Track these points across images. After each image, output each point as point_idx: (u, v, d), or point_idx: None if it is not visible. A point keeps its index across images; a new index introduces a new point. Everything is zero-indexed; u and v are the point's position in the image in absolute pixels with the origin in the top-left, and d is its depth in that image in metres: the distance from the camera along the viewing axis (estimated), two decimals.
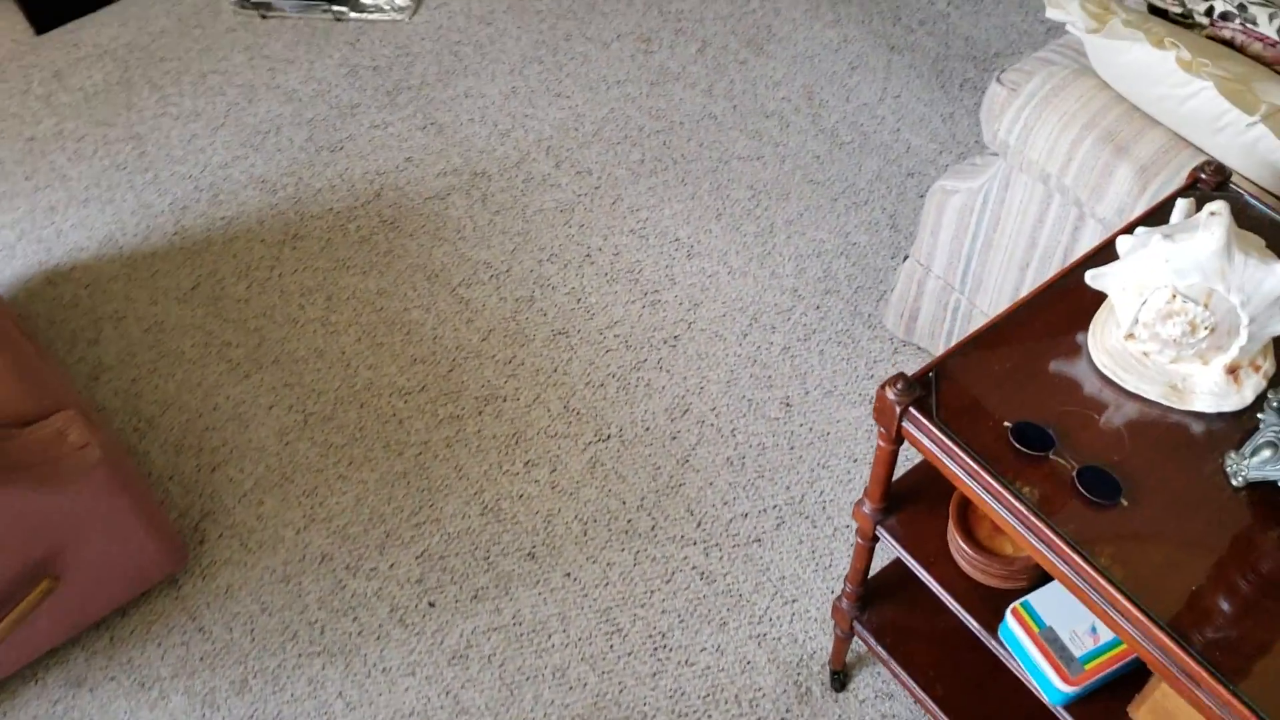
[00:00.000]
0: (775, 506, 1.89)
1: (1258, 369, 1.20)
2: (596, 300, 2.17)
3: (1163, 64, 1.43)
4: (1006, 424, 1.18)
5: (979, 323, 1.93)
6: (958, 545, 1.32)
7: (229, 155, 2.39)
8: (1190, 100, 1.44)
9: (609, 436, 1.97)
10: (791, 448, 1.96)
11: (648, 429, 1.98)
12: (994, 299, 1.88)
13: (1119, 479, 1.14)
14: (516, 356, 2.09)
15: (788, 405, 2.02)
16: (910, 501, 1.40)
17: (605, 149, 2.41)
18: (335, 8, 2.63)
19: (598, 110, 2.48)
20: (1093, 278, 1.21)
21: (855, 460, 1.95)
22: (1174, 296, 1.15)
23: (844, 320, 2.14)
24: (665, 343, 2.11)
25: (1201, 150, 1.51)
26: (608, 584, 1.78)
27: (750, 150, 2.40)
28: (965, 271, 1.90)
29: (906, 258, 2.00)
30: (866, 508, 1.37)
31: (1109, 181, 1.54)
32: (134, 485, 1.50)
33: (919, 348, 2.09)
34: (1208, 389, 1.19)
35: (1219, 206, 1.12)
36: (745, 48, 2.59)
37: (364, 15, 2.63)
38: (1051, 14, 1.62)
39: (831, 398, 2.03)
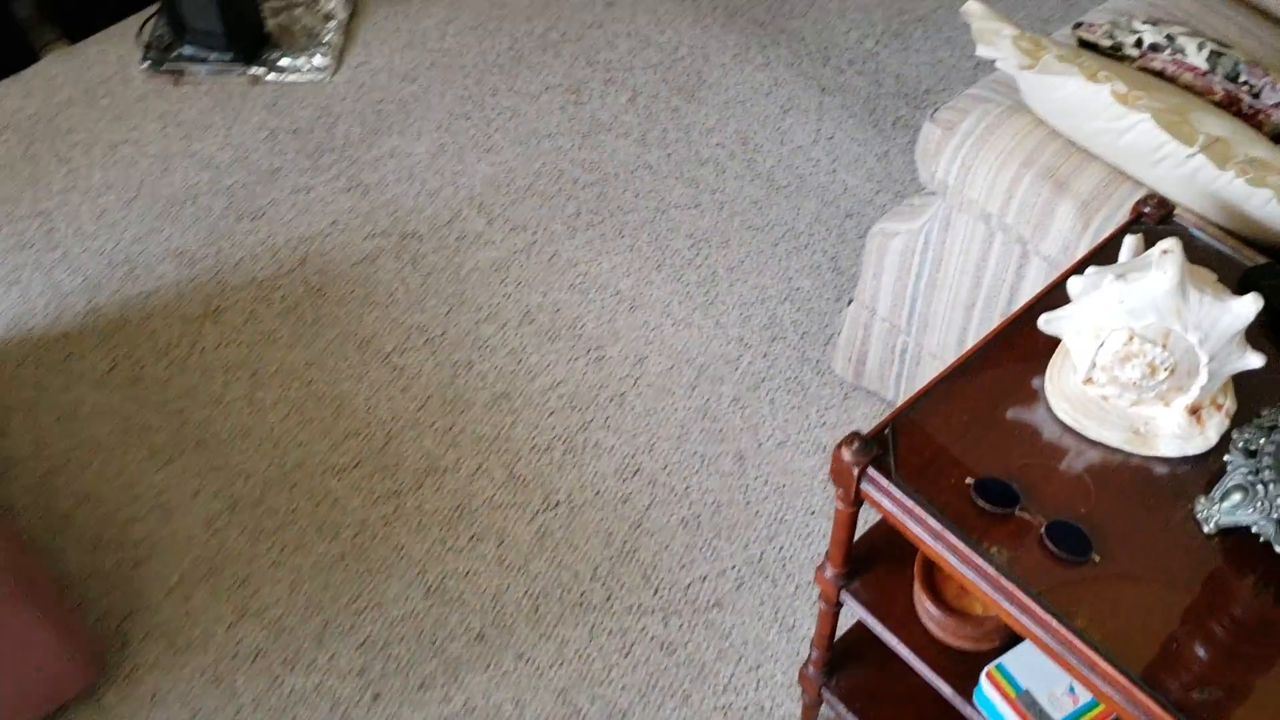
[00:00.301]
0: (734, 567, 1.82)
1: (1219, 408, 1.16)
2: (538, 360, 2.10)
3: (1098, 98, 1.41)
4: (969, 480, 1.12)
5: (927, 365, 1.89)
6: (925, 607, 1.26)
7: (143, 228, 2.30)
8: (1128, 133, 1.41)
9: (557, 504, 1.89)
10: (747, 503, 1.90)
11: (598, 493, 1.91)
12: (941, 340, 1.84)
13: (1088, 532, 1.08)
14: (456, 424, 2.01)
15: (741, 459, 1.96)
16: (873, 562, 1.34)
17: (539, 203, 2.35)
18: (251, 70, 2.55)
19: (529, 164, 2.42)
20: (1045, 323, 1.16)
21: (813, 512, 1.89)
22: (1131, 338, 1.10)
23: (792, 367, 2.09)
24: (611, 400, 2.04)
25: (1141, 183, 1.48)
26: (563, 663, 1.70)
27: (687, 198, 2.36)
28: (910, 313, 1.86)
29: (851, 301, 1.96)
30: (829, 572, 1.30)
31: (1051, 218, 1.50)
32: (41, 593, 1.40)
33: (869, 391, 2.04)
34: (1171, 432, 1.15)
35: (1171, 244, 1.08)
36: (676, 95, 2.55)
37: (282, 77, 2.55)
38: (982, 51, 1.60)
39: (785, 448, 1.97)
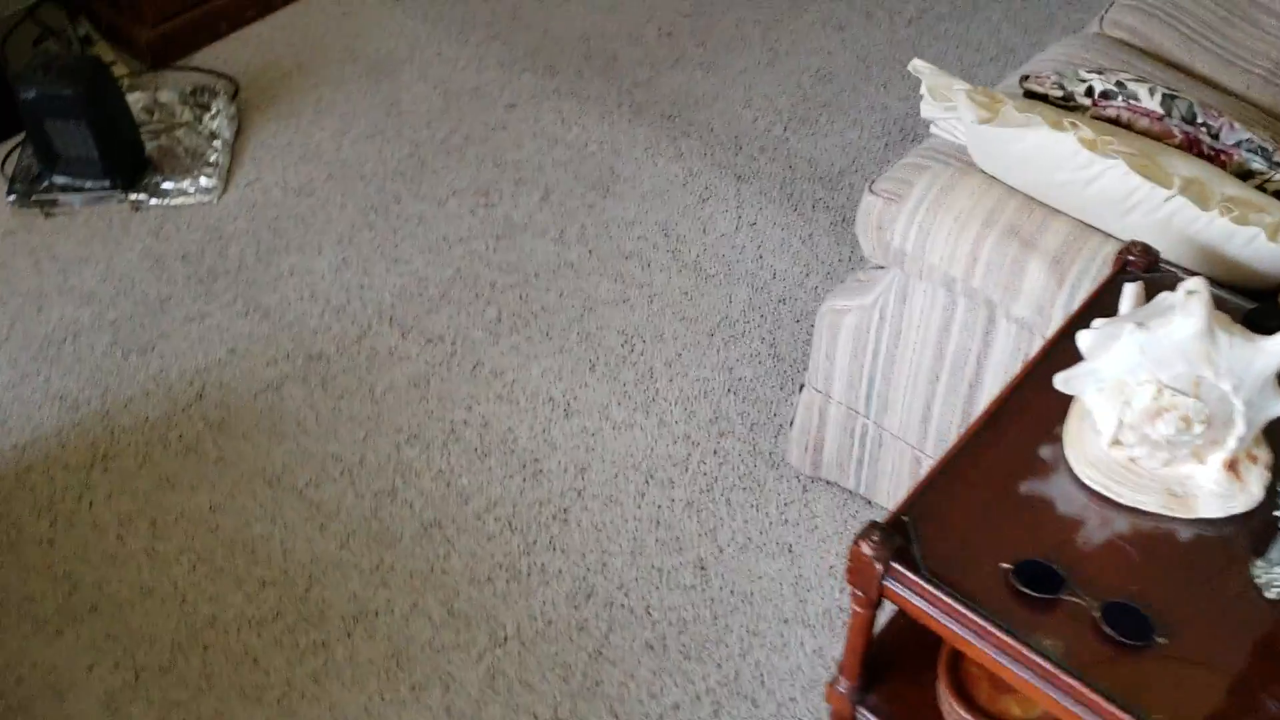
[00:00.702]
0: (709, 690, 1.65)
1: (1255, 460, 1.05)
2: (469, 481, 1.92)
3: (1061, 146, 1.33)
4: (1005, 566, 0.99)
5: (891, 447, 1.78)
6: (957, 715, 1.11)
7: (17, 373, 2.07)
8: (1096, 182, 1.34)
9: (506, 639, 1.70)
10: (715, 617, 1.74)
11: (550, 623, 1.72)
12: (903, 419, 1.73)
13: (1146, 612, 0.96)
14: (384, 560, 1.81)
15: (702, 568, 1.80)
16: (887, 668, 1.19)
17: (455, 311, 2.20)
18: (132, 196, 2.37)
19: (442, 271, 2.27)
20: (1064, 382, 1.05)
21: (786, 620, 1.74)
22: (1160, 391, 1.00)
23: (745, 462, 1.95)
24: (555, 518, 1.87)
25: (1110, 234, 1.41)
26: None
27: (615, 294, 2.23)
28: (869, 393, 1.75)
29: (803, 387, 1.84)
30: (842, 686, 1.15)
31: (1021, 278, 1.42)
32: None
33: (828, 482, 1.91)
34: (1210, 490, 1.04)
35: (1196, 284, 0.99)
36: (591, 191, 2.45)
37: (166, 201, 2.37)
38: (929, 111, 1.53)
39: (748, 552, 1.82)
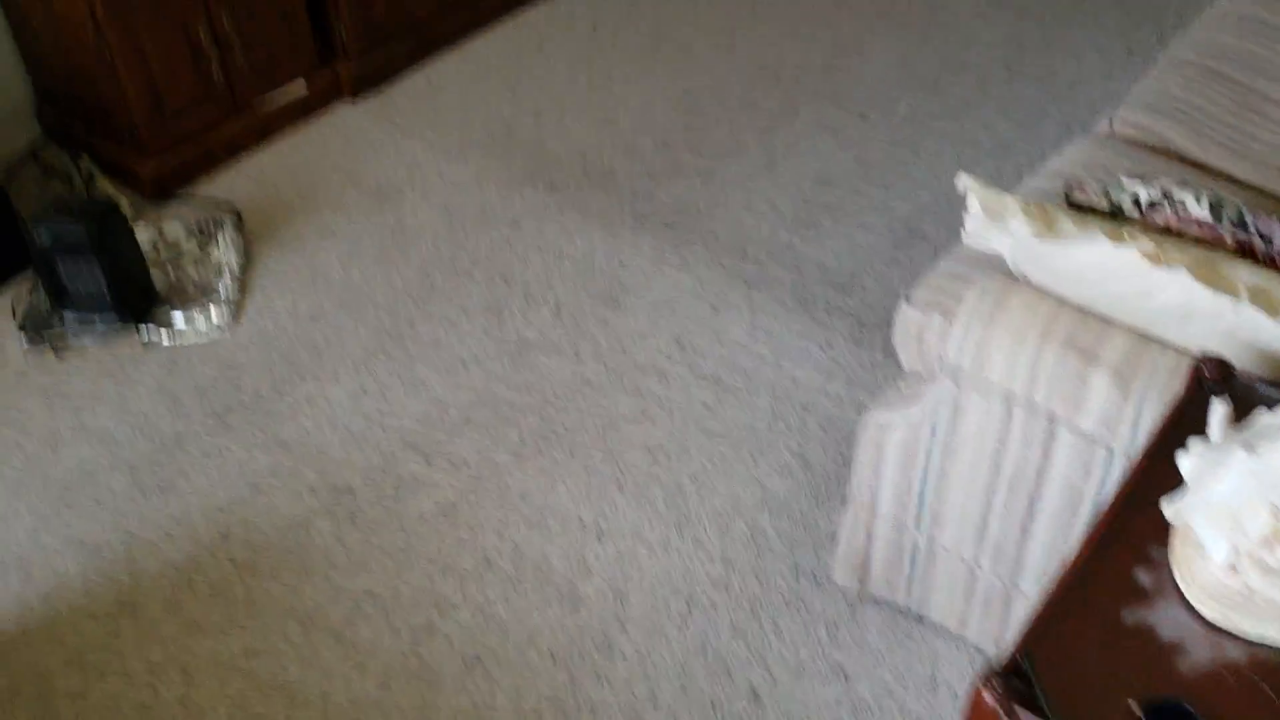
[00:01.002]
0: None
1: None
2: (507, 612, 1.87)
3: (1118, 259, 1.34)
4: (1134, 706, 0.96)
5: (944, 561, 1.75)
6: None
7: (35, 520, 2.00)
8: (1154, 293, 1.35)
9: None
10: None
11: None
12: (958, 533, 1.71)
13: None
14: (427, 701, 1.75)
15: (756, 697, 1.75)
16: None
17: (478, 434, 2.17)
18: (142, 332, 2.33)
19: (461, 394, 2.24)
20: (1174, 513, 1.04)
21: None
22: (1277, 516, 0.98)
23: (788, 582, 1.92)
24: (598, 648, 1.82)
25: (1170, 344, 1.41)
26: None
27: (635, 409, 2.21)
28: (919, 509, 1.73)
29: (846, 502, 1.82)
30: None
31: (1086, 391, 1.41)
32: None
33: (878, 599, 1.88)
34: None
35: None
36: (601, 305, 2.44)
37: (177, 335, 2.34)
38: (976, 232, 1.53)
39: (802, 678, 1.78)
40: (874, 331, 2.38)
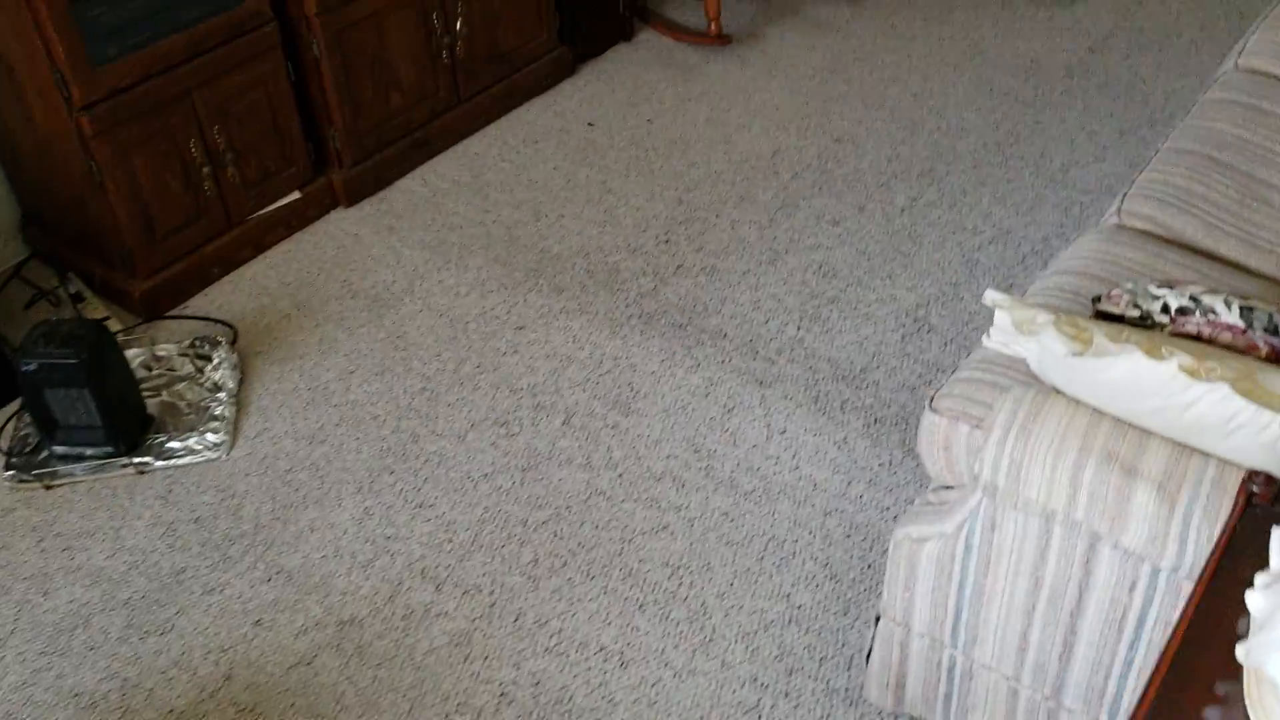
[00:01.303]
0: None
1: None
2: None
3: (1155, 374, 1.29)
4: None
5: (983, 678, 1.67)
6: None
7: (26, 670, 1.91)
8: (1194, 407, 1.29)
9: None
10: None
11: None
12: (997, 650, 1.63)
13: None
14: None
15: None
16: None
17: (490, 557, 2.09)
18: (136, 460, 2.26)
19: (470, 514, 2.17)
20: (1245, 656, 0.97)
21: None
22: None
23: (821, 703, 1.83)
24: None
25: (1210, 454, 1.35)
26: None
27: (652, 521, 2.14)
28: (956, 624, 1.65)
29: (878, 619, 1.74)
30: None
31: (1129, 506, 1.35)
32: None
33: (913, 718, 1.79)
34: None
35: None
36: (612, 410, 2.38)
37: (172, 462, 2.27)
38: (1000, 339, 1.48)
39: None
40: (889, 428, 2.32)
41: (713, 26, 3.55)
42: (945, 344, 2.52)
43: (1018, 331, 1.34)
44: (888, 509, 2.15)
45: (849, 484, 2.21)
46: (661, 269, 2.76)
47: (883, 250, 2.79)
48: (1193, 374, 1.24)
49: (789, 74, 3.47)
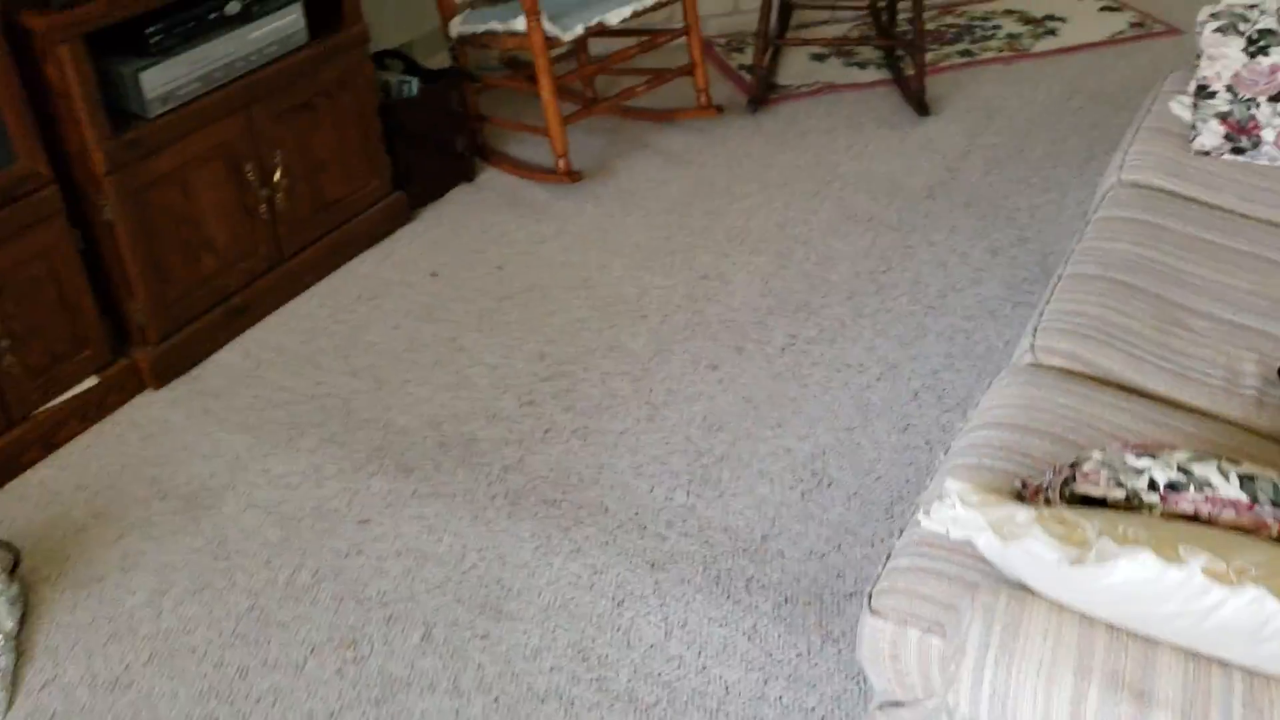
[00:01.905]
0: None
1: None
2: None
3: (1166, 578, 1.04)
4: None
5: None
6: None
7: None
8: (1216, 612, 1.05)
9: None
10: None
11: None
12: None
13: None
14: None
15: None
16: None
17: None
18: None
19: None
20: None
21: None
22: None
23: None
24: None
25: (1232, 664, 1.10)
26: None
27: None
28: None
29: None
30: None
31: None
32: None
33: None
34: None
35: None
36: (480, 616, 2.03)
37: None
38: (950, 527, 1.22)
39: None
40: (802, 608, 2.03)
41: (561, 163, 3.32)
42: (849, 499, 2.27)
43: (999, 540, 1.07)
44: (812, 710, 1.85)
45: (765, 683, 1.90)
46: (526, 436, 2.45)
47: (768, 395, 2.55)
48: (1223, 579, 1.00)
49: (645, 209, 3.26)
